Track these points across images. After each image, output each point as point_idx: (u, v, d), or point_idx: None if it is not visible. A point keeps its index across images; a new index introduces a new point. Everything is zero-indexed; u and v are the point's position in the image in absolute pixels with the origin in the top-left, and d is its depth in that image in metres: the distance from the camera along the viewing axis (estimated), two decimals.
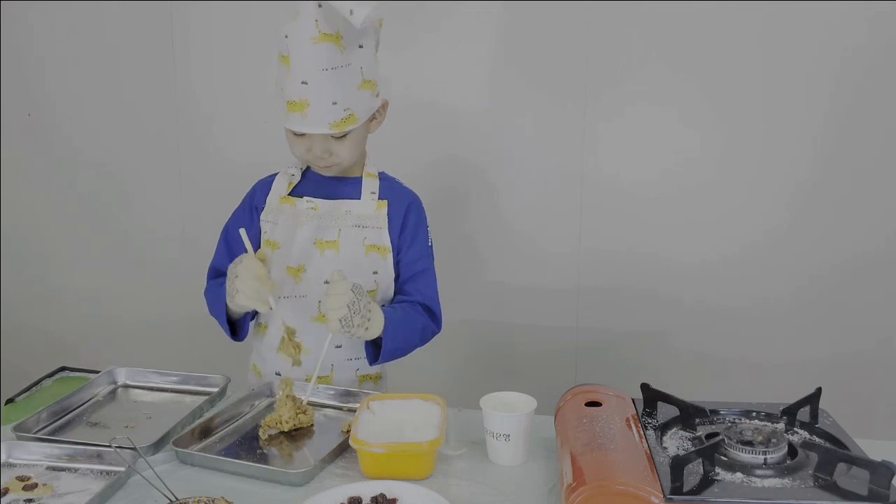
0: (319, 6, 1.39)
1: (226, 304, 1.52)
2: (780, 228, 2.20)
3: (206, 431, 1.38)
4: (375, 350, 1.52)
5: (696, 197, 2.23)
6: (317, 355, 1.50)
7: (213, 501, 1.12)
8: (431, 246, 1.63)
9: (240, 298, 1.44)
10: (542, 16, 2.20)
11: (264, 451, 1.35)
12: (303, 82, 1.43)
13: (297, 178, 1.61)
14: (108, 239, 2.62)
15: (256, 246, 1.58)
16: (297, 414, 1.40)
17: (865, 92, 2.09)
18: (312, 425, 1.42)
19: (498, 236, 2.36)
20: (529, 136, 2.28)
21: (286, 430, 1.39)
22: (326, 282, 1.46)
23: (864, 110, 2.10)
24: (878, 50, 2.06)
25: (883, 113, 2.10)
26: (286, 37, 1.43)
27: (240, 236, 1.51)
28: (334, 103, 1.44)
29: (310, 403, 1.47)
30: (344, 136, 1.49)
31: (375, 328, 1.45)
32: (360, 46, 1.45)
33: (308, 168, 1.61)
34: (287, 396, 1.41)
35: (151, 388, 1.59)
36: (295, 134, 1.49)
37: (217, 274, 1.62)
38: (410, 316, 1.54)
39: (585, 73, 2.21)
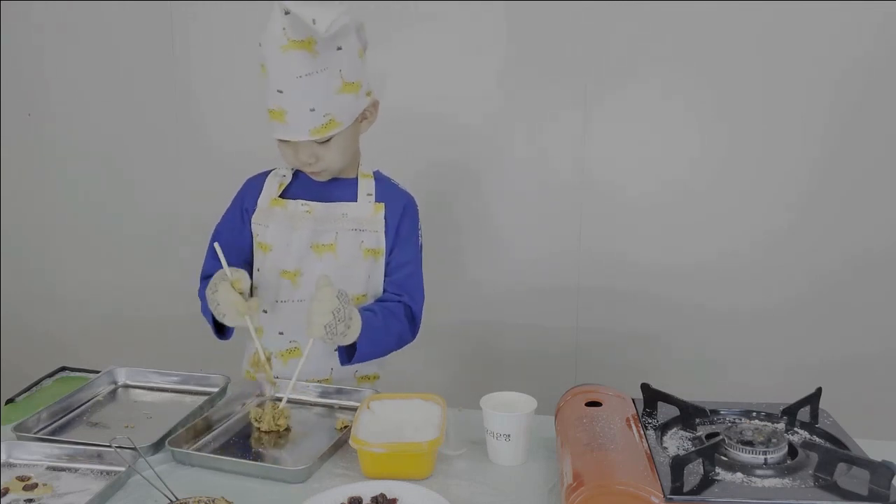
0: (286, 13, 1.37)
1: None
2: (780, 229, 2.20)
3: (199, 431, 1.38)
4: (349, 351, 1.50)
5: (696, 197, 2.23)
6: (318, 361, 1.54)
7: (213, 501, 1.12)
8: (421, 248, 1.62)
9: (227, 321, 1.47)
10: (542, 18, 2.20)
11: (260, 449, 1.35)
12: (278, 91, 1.42)
13: (289, 179, 1.60)
14: (108, 239, 2.62)
15: (246, 255, 1.60)
16: (274, 419, 1.40)
17: (866, 94, 2.09)
18: (289, 428, 1.42)
19: (499, 237, 2.36)
20: (530, 136, 2.28)
21: (263, 429, 1.40)
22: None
23: (865, 112, 2.10)
24: (880, 53, 2.06)
25: (884, 115, 2.09)
26: (260, 45, 1.43)
27: (231, 240, 1.55)
28: (312, 110, 1.43)
29: (303, 402, 1.50)
30: (328, 141, 1.48)
31: (353, 334, 1.44)
32: (339, 48, 1.43)
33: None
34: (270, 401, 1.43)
35: (151, 388, 1.59)
36: (282, 141, 1.49)
37: (208, 277, 1.61)
38: (390, 323, 1.52)
39: (586, 73, 2.21)
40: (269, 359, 1.47)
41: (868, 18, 2.04)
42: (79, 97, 2.55)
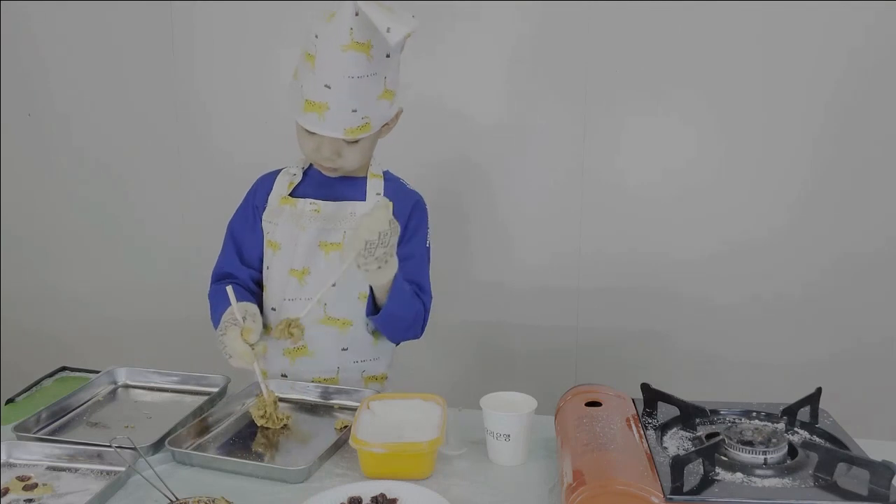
0: (356, 14, 1.37)
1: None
2: (780, 228, 2.20)
3: (200, 431, 1.38)
4: (375, 309, 1.51)
5: (696, 197, 2.23)
6: (325, 360, 1.55)
7: (213, 501, 1.12)
8: (429, 248, 1.62)
9: (232, 363, 1.46)
10: (543, 16, 2.20)
11: (260, 449, 1.35)
12: (326, 86, 1.42)
13: (299, 177, 1.60)
14: (108, 239, 2.62)
15: (258, 251, 1.60)
16: (271, 415, 1.40)
17: (866, 93, 2.09)
18: (287, 426, 1.42)
19: (499, 236, 2.36)
20: (530, 136, 2.28)
21: (269, 414, 1.40)
22: (333, 285, 1.43)
23: (864, 111, 2.10)
24: (879, 51, 2.06)
25: (883, 114, 2.09)
26: (316, 36, 1.42)
27: (245, 236, 1.56)
28: (354, 111, 1.44)
29: (303, 402, 1.50)
30: (356, 141, 1.49)
31: (385, 275, 1.42)
32: (388, 56, 1.44)
33: (310, 167, 1.61)
34: (267, 395, 1.42)
35: (151, 388, 1.59)
36: (307, 132, 1.49)
37: (222, 276, 1.62)
38: (414, 299, 1.53)
39: (586, 73, 2.21)
40: (275, 402, 1.44)
41: (869, 19, 2.04)
42: (79, 97, 2.54)
